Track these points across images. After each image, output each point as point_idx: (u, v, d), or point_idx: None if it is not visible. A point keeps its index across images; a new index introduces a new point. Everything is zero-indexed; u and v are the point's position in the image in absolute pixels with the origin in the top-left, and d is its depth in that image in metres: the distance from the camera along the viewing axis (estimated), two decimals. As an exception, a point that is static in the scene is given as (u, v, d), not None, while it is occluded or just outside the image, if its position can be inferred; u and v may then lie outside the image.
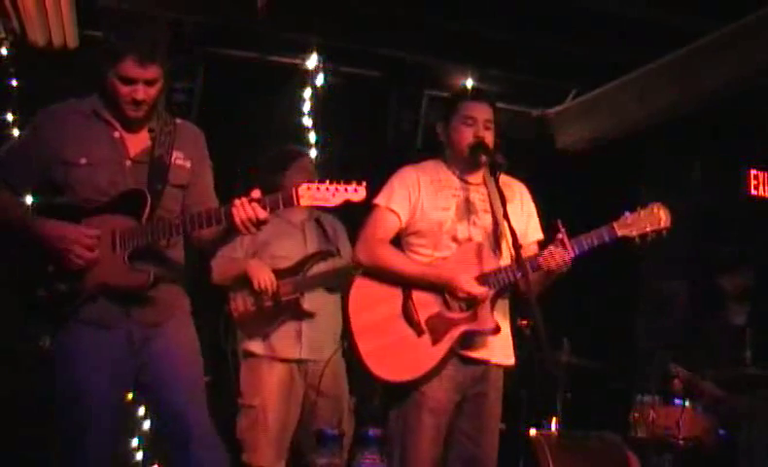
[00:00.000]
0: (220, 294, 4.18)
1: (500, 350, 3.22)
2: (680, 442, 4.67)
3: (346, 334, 3.17)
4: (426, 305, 3.12)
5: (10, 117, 4.83)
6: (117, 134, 2.83)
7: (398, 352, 3.08)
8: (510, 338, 3.30)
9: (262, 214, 2.69)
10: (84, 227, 2.73)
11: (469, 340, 3.14)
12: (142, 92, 2.73)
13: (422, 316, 3.10)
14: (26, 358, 4.38)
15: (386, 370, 3.09)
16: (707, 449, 4.73)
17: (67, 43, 4.82)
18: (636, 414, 4.88)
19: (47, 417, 4.08)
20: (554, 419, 4.74)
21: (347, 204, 2.78)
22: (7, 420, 4.42)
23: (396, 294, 3.13)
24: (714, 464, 4.79)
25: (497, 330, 3.13)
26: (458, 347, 3.12)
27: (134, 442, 4.61)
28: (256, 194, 2.70)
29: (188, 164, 2.91)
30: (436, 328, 3.09)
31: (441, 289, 3.11)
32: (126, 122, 2.82)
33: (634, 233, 3.06)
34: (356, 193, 2.76)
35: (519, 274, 3.05)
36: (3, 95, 4.85)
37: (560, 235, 3.05)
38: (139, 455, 4.62)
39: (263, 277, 4.01)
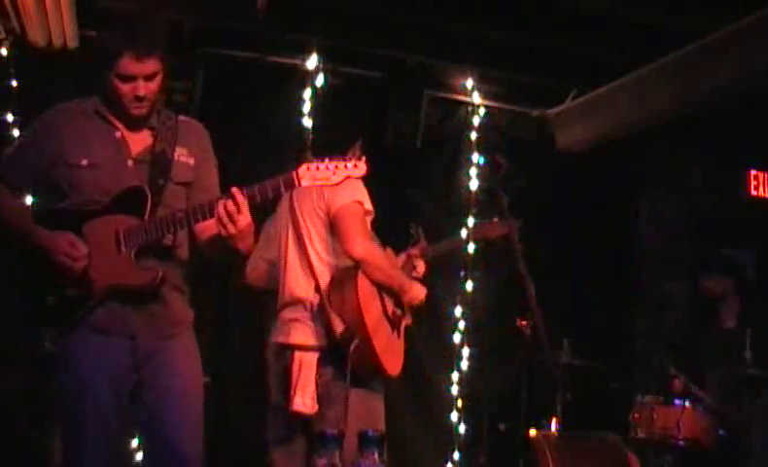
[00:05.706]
0: (219, 295, 4.16)
1: None
2: (681, 442, 4.67)
3: (358, 328, 3.13)
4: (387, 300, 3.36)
5: (10, 117, 4.81)
6: (119, 134, 2.80)
7: (393, 348, 3.27)
8: None
9: (241, 202, 2.58)
10: (72, 238, 2.68)
11: None
12: (143, 88, 2.70)
13: (390, 312, 3.35)
14: (26, 358, 4.38)
15: (392, 366, 3.25)
16: (707, 449, 4.72)
17: (67, 43, 4.81)
18: (636, 415, 4.87)
19: (46, 418, 4.08)
20: (554, 419, 4.74)
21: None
22: (7, 420, 4.42)
23: (376, 290, 3.32)
24: (714, 464, 4.79)
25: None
26: None
27: (134, 442, 4.60)
28: (235, 189, 2.62)
29: (191, 162, 2.87)
30: (395, 322, 3.35)
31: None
32: (129, 120, 2.79)
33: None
34: (356, 168, 2.66)
35: None
36: (3, 95, 4.84)
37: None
38: (139, 456, 4.62)
39: None
